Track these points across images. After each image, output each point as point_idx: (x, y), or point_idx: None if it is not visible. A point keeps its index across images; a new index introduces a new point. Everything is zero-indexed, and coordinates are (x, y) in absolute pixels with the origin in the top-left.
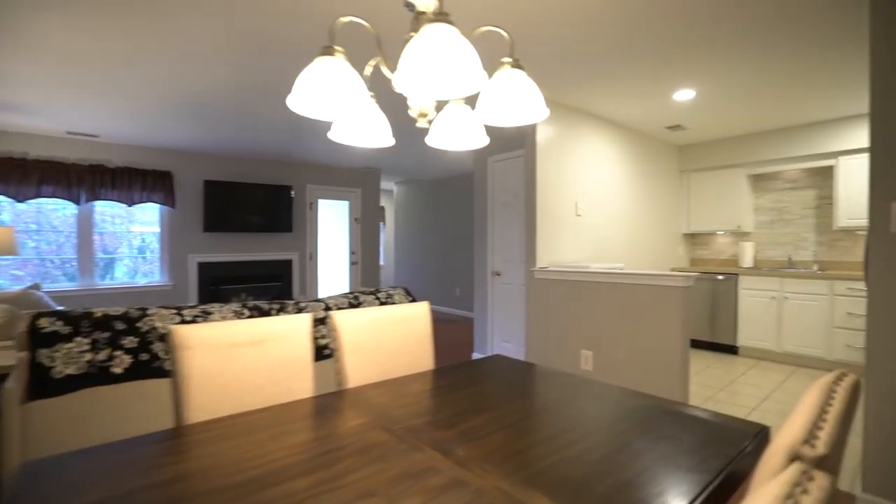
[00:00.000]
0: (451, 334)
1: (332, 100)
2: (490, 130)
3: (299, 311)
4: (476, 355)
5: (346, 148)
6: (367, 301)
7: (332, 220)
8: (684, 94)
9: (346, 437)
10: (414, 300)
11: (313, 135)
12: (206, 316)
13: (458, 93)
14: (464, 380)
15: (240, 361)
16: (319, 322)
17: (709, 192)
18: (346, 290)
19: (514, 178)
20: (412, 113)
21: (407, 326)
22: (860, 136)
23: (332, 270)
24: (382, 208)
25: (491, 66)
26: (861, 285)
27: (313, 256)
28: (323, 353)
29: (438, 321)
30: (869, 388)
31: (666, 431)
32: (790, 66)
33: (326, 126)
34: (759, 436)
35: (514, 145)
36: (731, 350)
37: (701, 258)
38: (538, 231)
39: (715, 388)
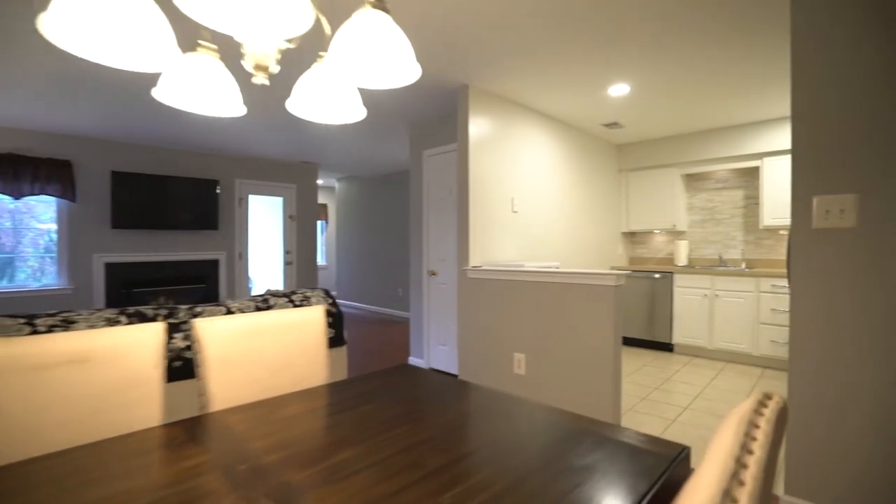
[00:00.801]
0: (388, 337)
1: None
2: (425, 121)
3: (194, 316)
4: (412, 360)
5: (278, 140)
6: (278, 304)
7: (265, 218)
8: (619, 89)
9: (166, 486)
10: (334, 303)
11: (235, 123)
12: (67, 325)
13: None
14: (355, 398)
15: (49, 388)
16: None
17: (646, 192)
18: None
19: (450, 173)
20: (246, 64)
21: (294, 335)
22: (783, 138)
23: (266, 271)
24: (324, 206)
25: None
26: (784, 282)
27: (243, 256)
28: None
29: (380, 323)
30: (792, 384)
31: (578, 460)
32: (718, 64)
33: (251, 114)
34: (679, 458)
35: (450, 139)
36: (668, 348)
37: (640, 257)
38: (471, 228)
39: (650, 387)
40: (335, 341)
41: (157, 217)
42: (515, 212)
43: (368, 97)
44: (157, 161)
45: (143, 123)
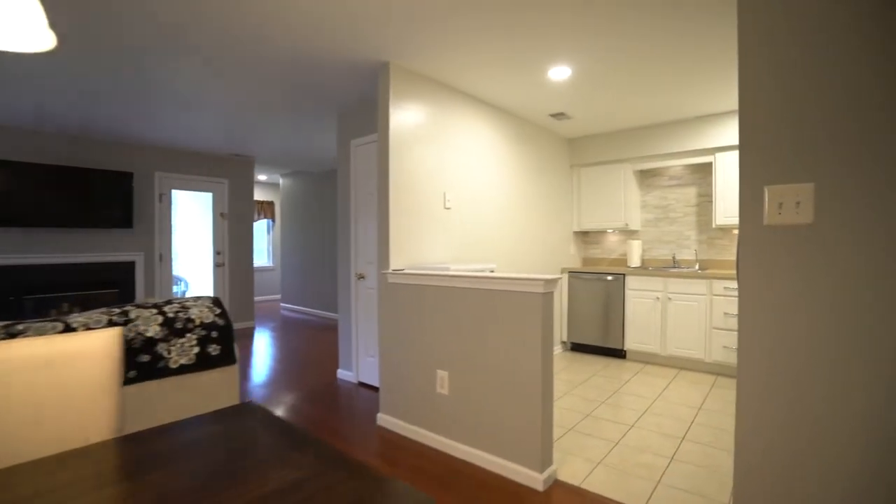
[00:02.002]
0: (325, 346)
1: None
2: (352, 107)
3: (10, 336)
4: (341, 373)
5: (201, 128)
6: (143, 317)
7: (194, 216)
8: (560, 72)
9: None
10: (223, 313)
11: (151, 105)
12: None
13: None
14: (138, 462)
15: None
16: None
17: (598, 189)
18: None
19: None
20: None
21: (61, 373)
22: (736, 132)
23: (194, 274)
24: (271, 203)
25: None
26: (735, 284)
27: (164, 257)
28: None
29: (324, 329)
30: (741, 392)
31: None
32: (665, 50)
33: (170, 95)
34: None
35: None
36: (620, 354)
37: (594, 257)
38: (392, 226)
39: (596, 402)
40: (220, 360)
41: (55, 213)
42: (448, 208)
43: (283, 73)
44: (56, 150)
45: (21, 104)
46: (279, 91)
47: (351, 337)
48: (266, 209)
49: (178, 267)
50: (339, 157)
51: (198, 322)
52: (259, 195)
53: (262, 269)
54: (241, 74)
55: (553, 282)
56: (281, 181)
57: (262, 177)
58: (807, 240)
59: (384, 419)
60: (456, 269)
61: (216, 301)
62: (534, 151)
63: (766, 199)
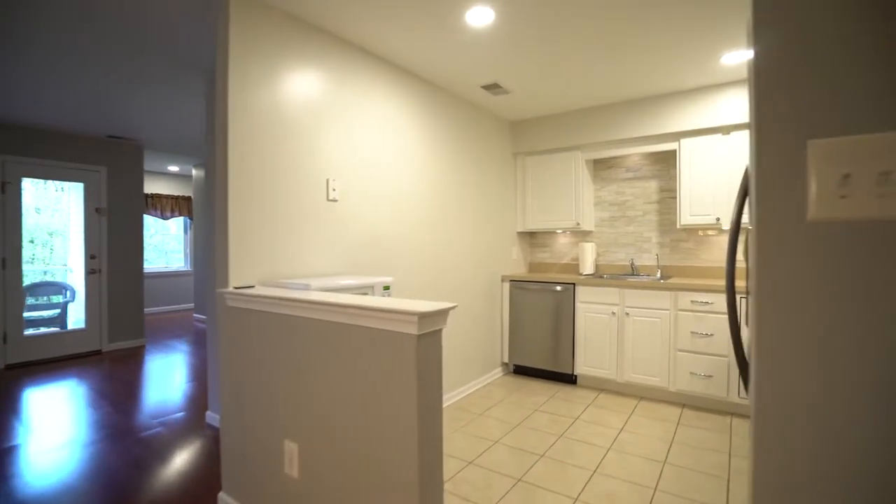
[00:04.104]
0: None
1: None
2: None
3: None
4: (210, 417)
5: (66, 104)
6: None
7: (59, 211)
8: (480, 16)
9: None
10: None
11: None
12: None
13: None
14: None
15: None
16: None
17: (546, 182)
18: (83, 309)
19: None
20: None
21: None
22: (705, 113)
23: (69, 281)
24: (188, 199)
25: None
26: (707, 298)
27: (9, 263)
28: None
29: None
30: (758, 433)
31: None
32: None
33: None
34: None
35: None
36: (570, 380)
37: (541, 262)
38: (234, 221)
39: (533, 455)
40: None
41: None
42: (333, 200)
43: (117, 20)
44: None
45: None
46: (123, 49)
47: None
48: (182, 205)
49: (59, 274)
50: (207, 134)
51: None
52: (174, 189)
53: (179, 274)
54: (77, 26)
55: (437, 315)
56: (193, 173)
57: (173, 167)
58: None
59: (226, 503)
60: (326, 284)
61: None
62: (467, 135)
63: (814, 167)
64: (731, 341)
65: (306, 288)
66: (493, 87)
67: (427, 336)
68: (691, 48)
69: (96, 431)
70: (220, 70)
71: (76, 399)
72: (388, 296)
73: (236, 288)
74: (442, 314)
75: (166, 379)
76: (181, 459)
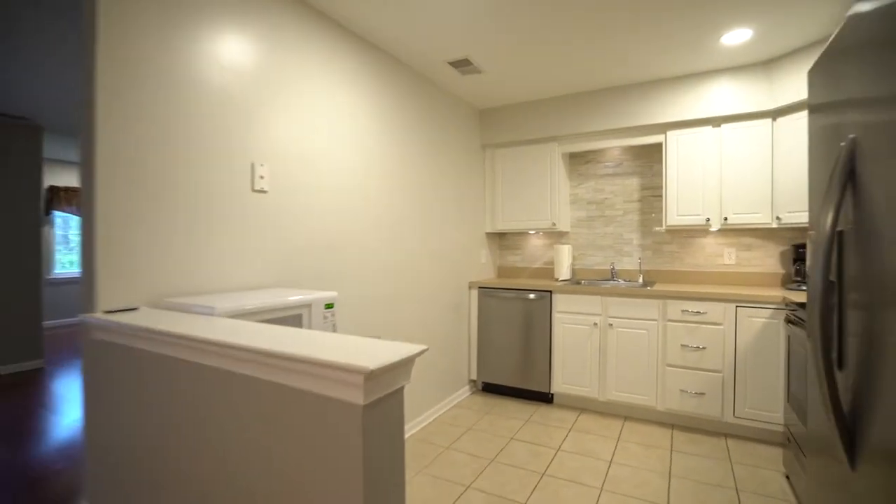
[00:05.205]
0: None
1: None
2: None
3: None
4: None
5: None
6: None
7: None
8: None
9: None
10: None
11: None
12: None
13: None
14: None
15: None
16: None
17: (519, 177)
18: None
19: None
20: None
21: None
22: (695, 102)
23: None
24: None
25: None
26: (698, 307)
27: None
28: None
29: None
30: None
31: None
32: None
33: None
34: None
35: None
36: (546, 399)
37: (512, 266)
38: (99, 218)
39: (512, 501)
40: None
41: None
42: (262, 191)
43: None
44: None
45: None
46: None
47: None
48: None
49: None
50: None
51: None
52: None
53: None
54: None
55: (396, 369)
56: None
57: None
58: None
59: None
60: (241, 304)
61: None
62: (432, 123)
63: None
64: (823, 397)
65: (209, 312)
66: (462, 64)
67: (380, 404)
68: (690, 25)
69: None
70: (88, 5)
71: None
72: (331, 316)
73: (107, 312)
74: (403, 367)
75: (55, 414)
76: None
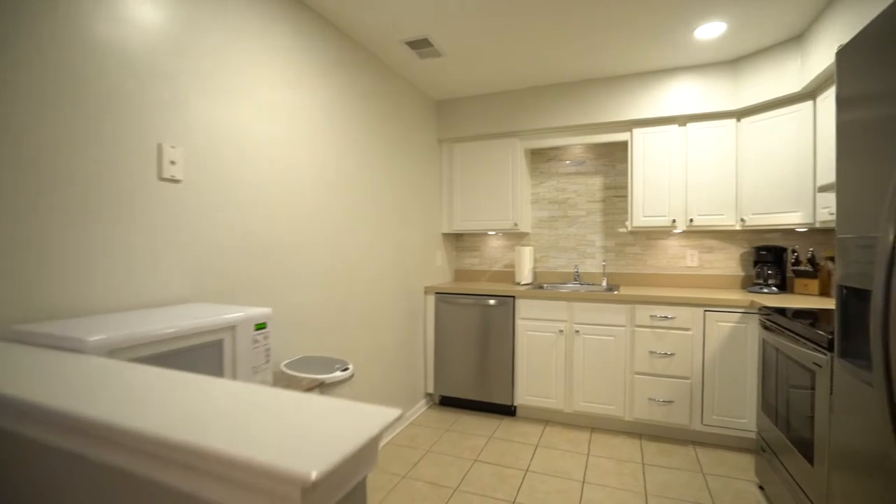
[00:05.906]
0: None
1: None
2: None
3: None
4: None
5: None
6: None
7: None
8: None
9: None
10: None
11: None
12: None
13: None
14: None
15: None
16: None
17: (478, 174)
18: None
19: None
20: None
21: None
22: (661, 99)
23: None
24: None
25: None
26: (666, 312)
27: None
28: None
29: None
30: None
31: None
32: None
33: None
34: None
35: None
36: (509, 411)
37: (470, 269)
38: None
39: None
40: None
41: None
42: (175, 180)
43: None
44: None
45: None
46: None
47: None
48: None
49: None
50: None
51: None
52: None
53: None
54: None
55: (356, 460)
56: None
57: None
58: None
59: None
60: (131, 331)
61: None
62: (384, 112)
63: None
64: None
65: (77, 348)
66: (421, 45)
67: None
68: (666, 14)
69: None
70: None
71: None
72: (263, 339)
73: None
74: (366, 452)
75: None
76: None
